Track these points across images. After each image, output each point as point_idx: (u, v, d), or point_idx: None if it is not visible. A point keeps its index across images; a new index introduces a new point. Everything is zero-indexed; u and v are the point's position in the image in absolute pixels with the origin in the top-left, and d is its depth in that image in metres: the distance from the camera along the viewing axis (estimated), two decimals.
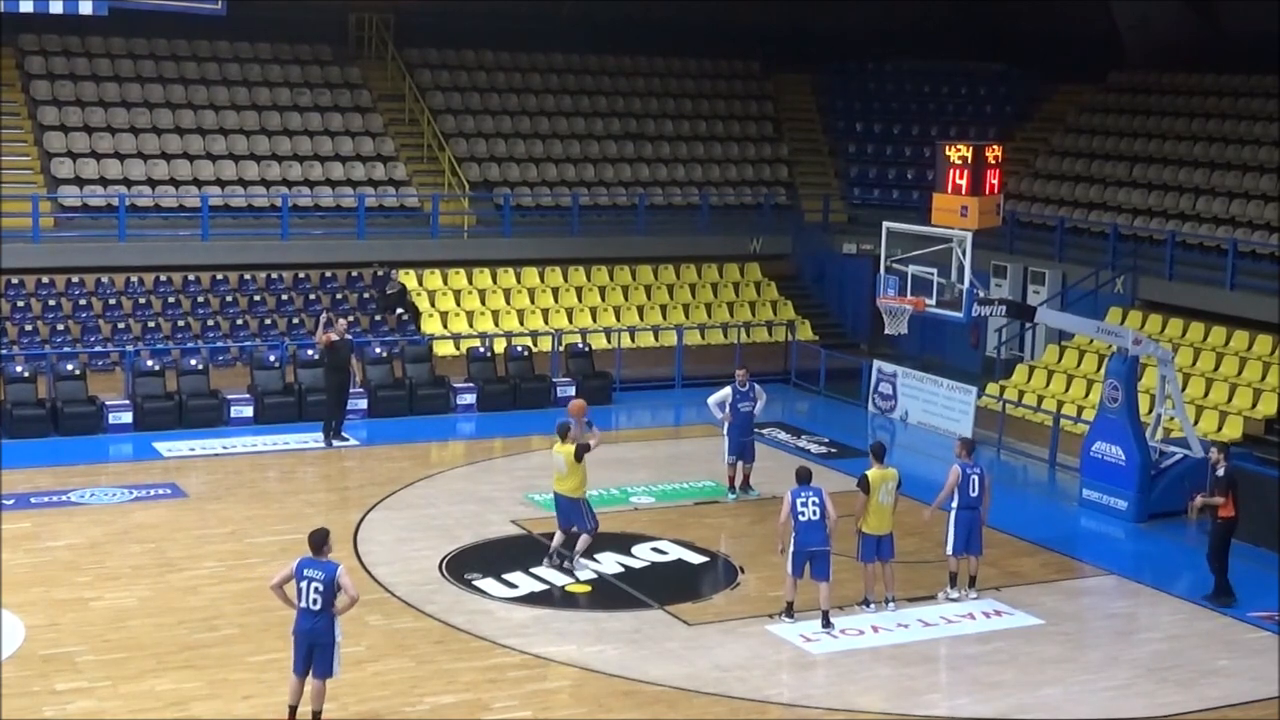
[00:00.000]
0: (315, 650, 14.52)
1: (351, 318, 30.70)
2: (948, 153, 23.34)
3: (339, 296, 31.56)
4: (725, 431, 23.42)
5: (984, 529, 19.32)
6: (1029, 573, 20.59)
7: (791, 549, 17.91)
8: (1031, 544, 21.83)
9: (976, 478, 19.08)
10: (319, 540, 14.65)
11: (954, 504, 19.08)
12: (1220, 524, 19.61)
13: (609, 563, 20.22)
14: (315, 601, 14.46)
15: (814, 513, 17.85)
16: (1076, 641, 18.32)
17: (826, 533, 17.92)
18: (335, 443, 26.16)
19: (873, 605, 18.74)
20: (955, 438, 21.99)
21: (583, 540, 19.73)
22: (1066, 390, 28.80)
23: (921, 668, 17.18)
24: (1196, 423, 25.40)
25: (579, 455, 19.37)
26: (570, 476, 19.51)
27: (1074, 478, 24.71)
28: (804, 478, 18.25)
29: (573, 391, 29.86)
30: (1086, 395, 27.93)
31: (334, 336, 26.14)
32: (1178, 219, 31.36)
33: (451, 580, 19.46)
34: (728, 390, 23.30)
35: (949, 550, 19.20)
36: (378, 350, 29.29)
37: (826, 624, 17.95)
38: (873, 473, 18.63)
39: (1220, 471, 19.86)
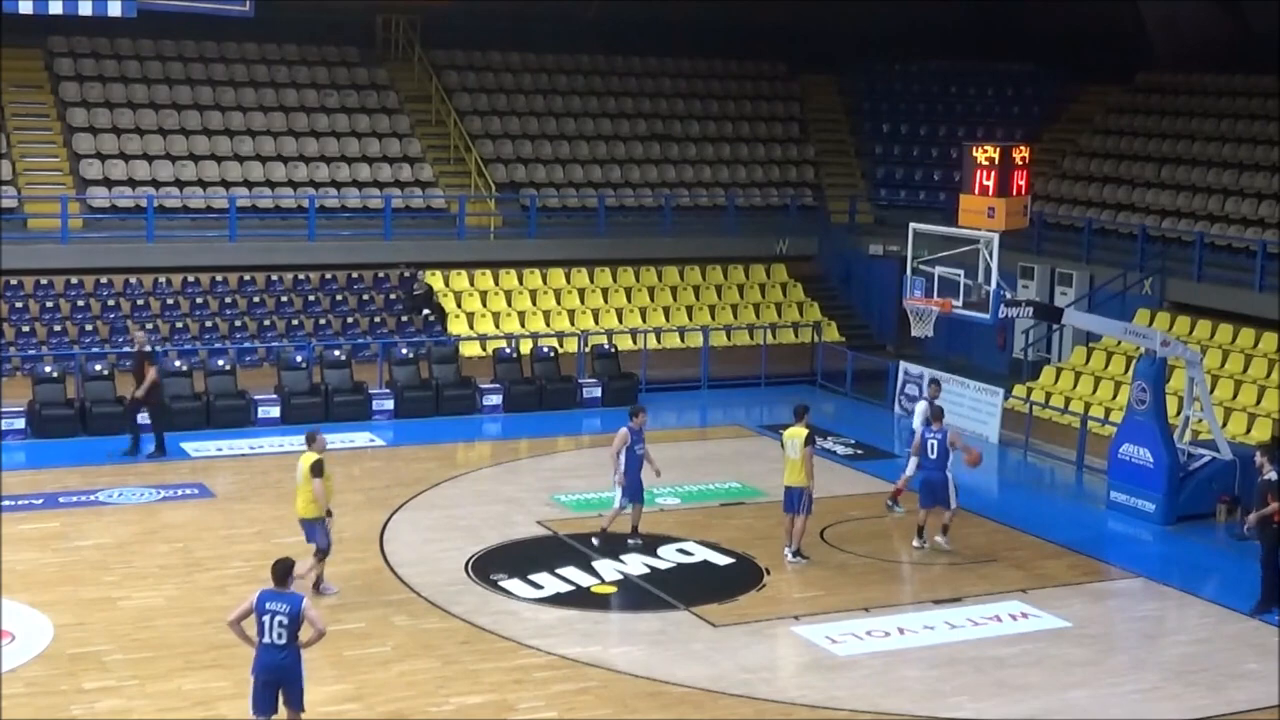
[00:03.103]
0: (284, 686, 13.79)
1: (378, 318, 30.84)
2: (975, 154, 23.29)
3: (366, 297, 31.63)
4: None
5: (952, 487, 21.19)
6: (1056, 575, 20.53)
7: None
8: (1059, 546, 21.77)
9: (936, 442, 21.25)
10: (283, 571, 13.87)
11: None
12: (1277, 528, 19.14)
13: (635, 564, 20.22)
14: (280, 635, 13.67)
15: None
16: (1104, 644, 18.26)
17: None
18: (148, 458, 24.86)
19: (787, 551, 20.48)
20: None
21: (309, 561, 18.39)
22: (1094, 392, 28.71)
23: (948, 670, 17.13)
24: (1225, 425, 25.29)
25: (315, 470, 18.37)
26: (300, 493, 18.64)
27: (1101, 480, 24.61)
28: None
29: (599, 393, 29.91)
30: (1114, 397, 27.83)
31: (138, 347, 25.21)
32: (1206, 220, 31.22)
33: (477, 581, 19.47)
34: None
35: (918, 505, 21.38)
36: (404, 351, 29.35)
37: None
38: (787, 431, 20.39)
39: (1272, 475, 19.30)
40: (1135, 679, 17.11)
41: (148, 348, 25.64)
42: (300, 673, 13.83)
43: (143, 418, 25.15)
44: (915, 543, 21.23)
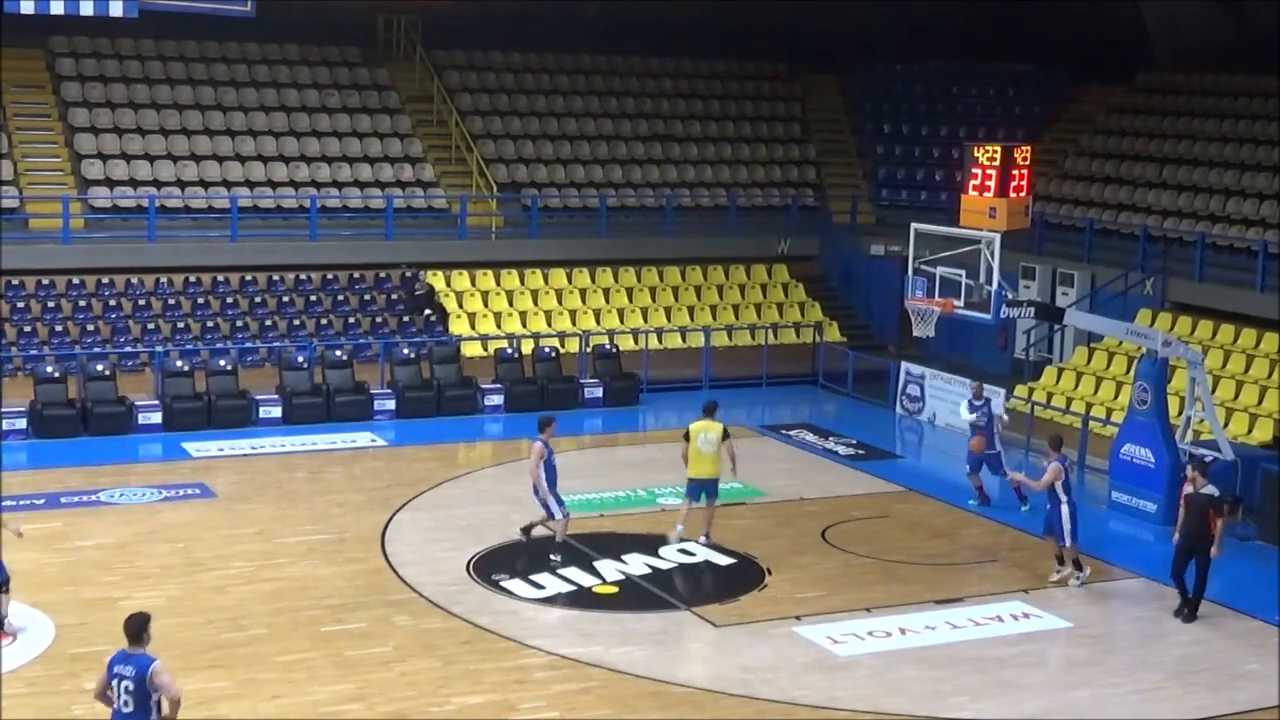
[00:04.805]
0: None
1: (379, 318, 30.88)
2: (976, 154, 23.29)
3: (367, 297, 31.64)
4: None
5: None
6: None
7: None
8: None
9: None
10: (136, 628, 12.27)
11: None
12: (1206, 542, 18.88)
13: (636, 564, 20.23)
14: (127, 704, 11.97)
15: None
16: (1105, 644, 18.27)
17: None
18: None
19: (677, 530, 20.84)
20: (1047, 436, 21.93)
21: None
22: (1095, 392, 28.70)
23: (949, 670, 17.14)
24: (1226, 425, 25.28)
25: None
26: None
27: (1103, 480, 24.62)
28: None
29: (600, 393, 29.93)
30: (1116, 397, 27.82)
31: None
32: (1208, 220, 31.22)
33: (479, 581, 19.48)
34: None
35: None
36: (406, 351, 29.36)
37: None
38: (695, 424, 20.90)
39: (1210, 490, 18.86)
40: (1136, 679, 17.11)
41: None
42: None
43: None
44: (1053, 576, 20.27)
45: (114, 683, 12.07)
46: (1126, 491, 23.60)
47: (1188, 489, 19.03)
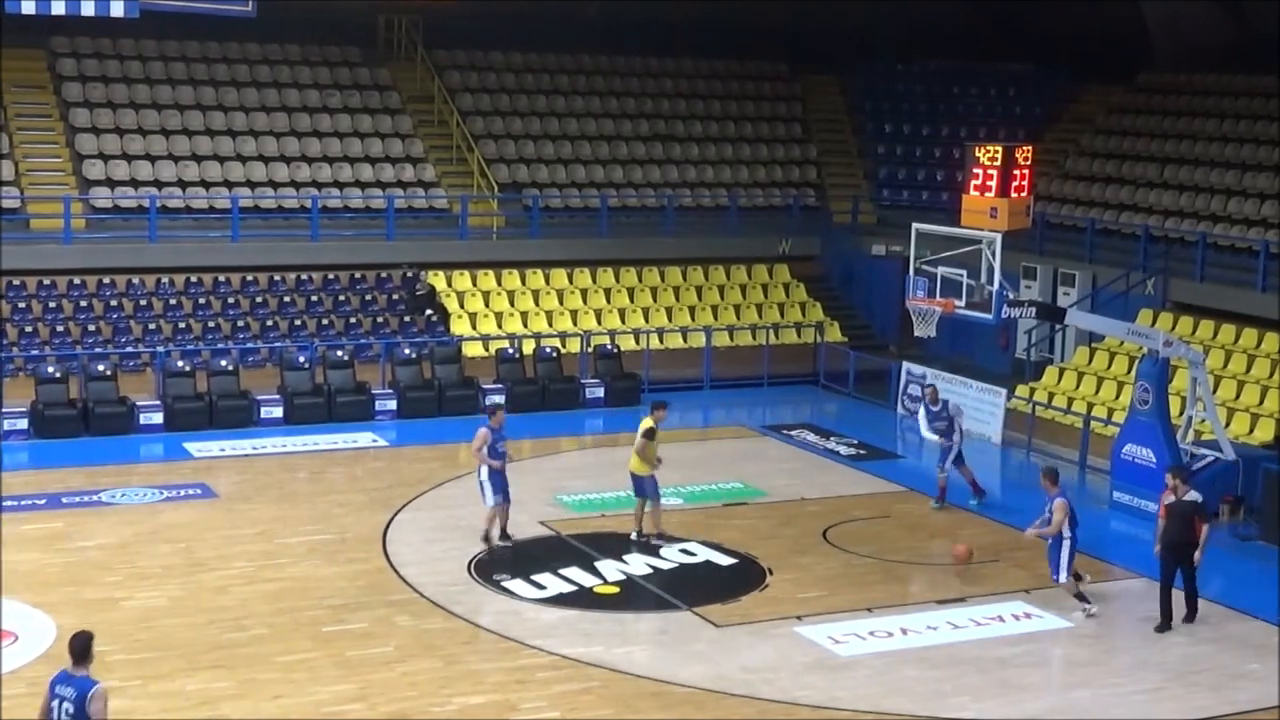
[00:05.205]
0: None
1: (381, 318, 30.88)
2: (978, 154, 23.29)
3: (368, 297, 31.65)
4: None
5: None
6: None
7: None
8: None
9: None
10: (81, 648, 11.91)
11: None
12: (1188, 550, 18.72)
13: (638, 564, 20.24)
14: None
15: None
16: (1106, 645, 18.27)
17: None
18: None
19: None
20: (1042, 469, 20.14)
21: None
22: (1097, 392, 28.70)
23: (950, 670, 17.14)
24: (1227, 425, 25.28)
25: None
26: None
27: (1104, 480, 24.63)
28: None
29: (602, 393, 29.93)
30: (1117, 397, 27.82)
31: None
32: (1209, 220, 31.22)
33: (480, 581, 19.49)
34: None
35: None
36: (407, 351, 29.37)
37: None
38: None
39: (1193, 496, 18.74)
40: (1137, 679, 17.11)
41: None
42: None
43: None
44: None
45: (54, 704, 11.72)
46: (1128, 492, 23.60)
47: (1168, 498, 18.70)
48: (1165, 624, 18.58)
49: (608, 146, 36.88)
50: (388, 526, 21.63)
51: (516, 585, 19.31)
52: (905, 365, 30.26)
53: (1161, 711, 16.20)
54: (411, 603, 18.68)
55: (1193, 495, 18.75)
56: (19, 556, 19.76)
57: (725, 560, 20.70)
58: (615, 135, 37.26)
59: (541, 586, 19.30)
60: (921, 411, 23.66)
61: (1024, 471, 26.66)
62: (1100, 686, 16.83)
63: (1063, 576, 18.91)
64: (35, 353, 27.95)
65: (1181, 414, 24.19)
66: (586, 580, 19.60)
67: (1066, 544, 18.81)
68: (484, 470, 20.64)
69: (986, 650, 17.77)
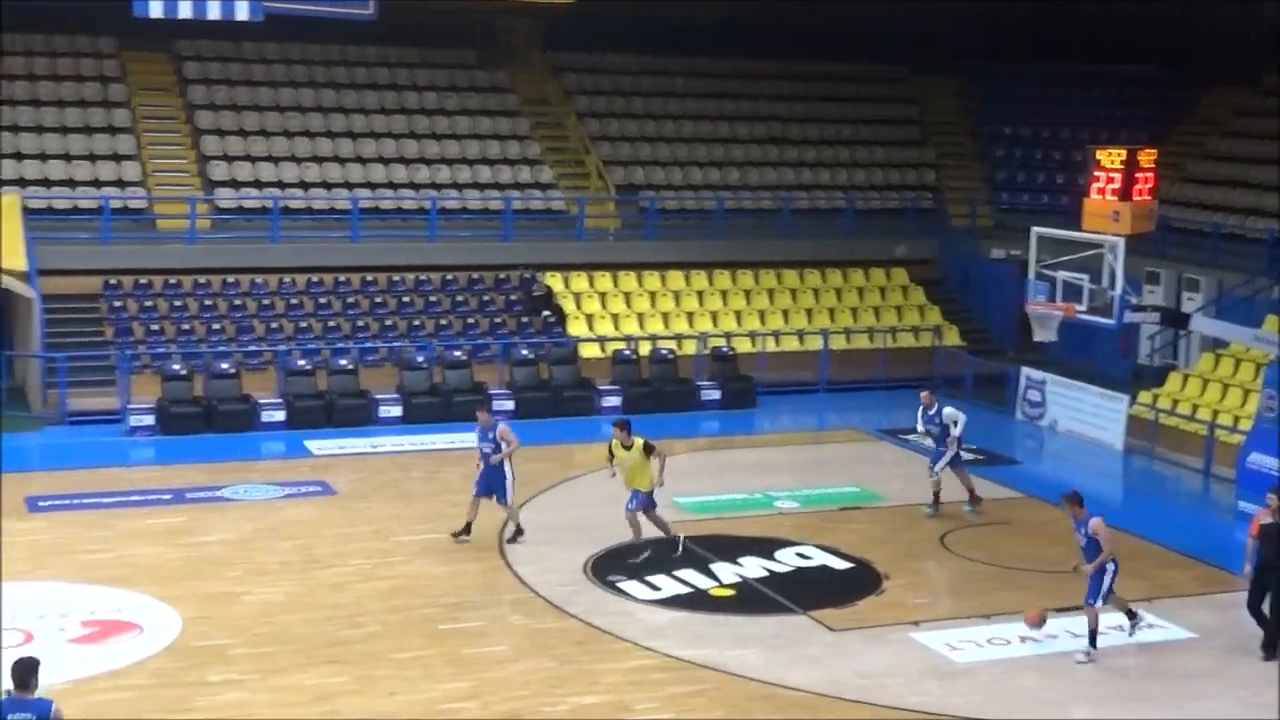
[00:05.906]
0: None
1: (498, 319, 31.07)
2: (1100, 157, 23.01)
3: (486, 298, 31.86)
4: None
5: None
6: (1181, 585, 20.21)
7: None
8: (1184, 556, 21.42)
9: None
10: (23, 673, 11.44)
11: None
12: None
13: (753, 567, 20.18)
14: None
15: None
16: (1228, 656, 17.91)
17: None
18: None
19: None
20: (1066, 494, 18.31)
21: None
22: (1222, 399, 28.17)
23: (1068, 679, 16.91)
24: None
25: None
26: None
27: (1229, 489, 24.19)
28: None
29: (717, 396, 29.87)
30: (1243, 405, 27.29)
31: None
32: None
33: (595, 581, 19.53)
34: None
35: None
36: (524, 352, 29.54)
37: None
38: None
39: None
40: (1260, 692, 16.76)
41: None
42: None
43: None
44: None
45: None
46: (1254, 501, 23.12)
47: (1266, 519, 17.81)
48: (1268, 643, 17.67)
49: (724, 148, 36.84)
50: (503, 526, 21.74)
51: (631, 586, 19.32)
52: (1024, 370, 29.90)
53: None
54: (526, 602, 18.77)
55: None
56: (142, 550, 20.15)
57: (841, 564, 20.58)
58: (731, 137, 37.21)
59: (656, 588, 19.30)
60: (920, 413, 23.18)
61: (1148, 479, 26.27)
62: (1221, 698, 16.53)
63: (1100, 603, 17.47)
64: (161, 350, 28.45)
65: None
66: (701, 583, 19.56)
67: (1110, 565, 17.48)
68: (507, 469, 20.92)
69: (1105, 659, 17.49)
